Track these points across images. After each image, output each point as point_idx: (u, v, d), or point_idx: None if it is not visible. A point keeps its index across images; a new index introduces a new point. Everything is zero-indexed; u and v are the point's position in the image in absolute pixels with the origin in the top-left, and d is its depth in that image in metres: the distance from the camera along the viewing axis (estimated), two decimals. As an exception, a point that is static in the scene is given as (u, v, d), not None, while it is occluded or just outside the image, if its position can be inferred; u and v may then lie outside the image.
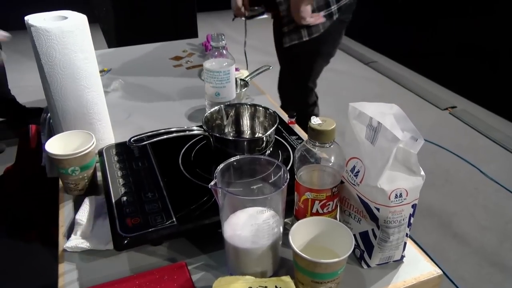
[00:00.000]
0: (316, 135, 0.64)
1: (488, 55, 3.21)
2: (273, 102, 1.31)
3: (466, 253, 1.86)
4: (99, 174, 0.91)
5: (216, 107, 0.93)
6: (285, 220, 0.79)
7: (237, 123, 0.96)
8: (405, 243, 0.71)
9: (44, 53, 0.86)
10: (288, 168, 0.84)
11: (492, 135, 2.73)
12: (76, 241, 0.75)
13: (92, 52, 0.93)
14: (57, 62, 0.87)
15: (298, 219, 0.70)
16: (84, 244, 0.75)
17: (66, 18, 0.89)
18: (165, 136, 0.81)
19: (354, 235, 0.70)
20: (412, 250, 0.75)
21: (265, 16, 5.67)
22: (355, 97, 3.29)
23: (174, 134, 0.82)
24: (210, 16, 5.28)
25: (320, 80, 3.31)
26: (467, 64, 3.35)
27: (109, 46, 2.22)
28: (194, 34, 2.67)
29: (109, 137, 1.03)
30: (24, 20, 0.87)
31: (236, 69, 1.37)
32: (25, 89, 3.07)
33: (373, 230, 0.68)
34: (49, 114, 1.12)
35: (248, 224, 0.64)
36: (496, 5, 3.13)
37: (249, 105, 0.95)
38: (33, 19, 0.85)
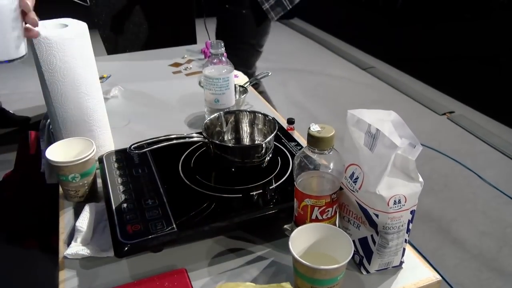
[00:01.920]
0: (315, 142, 0.65)
1: (486, 61, 3.23)
2: (272, 108, 1.31)
3: (465, 259, 1.86)
4: (99, 181, 0.91)
5: (216, 114, 0.94)
6: (285, 226, 0.80)
7: (236, 129, 0.96)
8: (404, 249, 0.71)
9: (44, 60, 0.86)
10: (287, 174, 0.85)
11: (490, 140, 2.73)
12: (77, 248, 0.75)
13: (93, 59, 0.93)
14: (58, 69, 0.87)
15: (297, 225, 0.70)
16: (85, 251, 0.75)
17: (66, 26, 0.89)
18: (165, 143, 0.82)
19: (354, 241, 0.70)
20: (411, 256, 0.76)
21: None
22: (353, 103, 3.30)
23: (174, 141, 0.83)
24: (208, 22, 5.30)
25: (317, 85, 3.33)
26: (465, 69, 3.37)
27: (109, 53, 2.23)
28: (193, 41, 2.68)
29: (109, 143, 1.03)
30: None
31: (235, 76, 1.38)
32: (25, 95, 3.08)
33: (372, 236, 0.68)
34: (48, 121, 1.12)
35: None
36: (492, 12, 3.16)
37: (249, 111, 0.96)
38: (34, 27, 0.86)
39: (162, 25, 2.57)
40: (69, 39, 0.86)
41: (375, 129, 0.64)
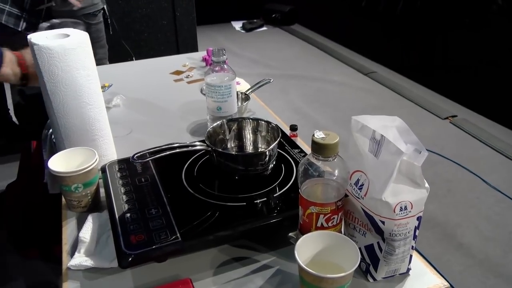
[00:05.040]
0: (319, 149, 0.64)
1: (488, 64, 3.23)
2: (275, 115, 1.31)
3: (470, 265, 1.85)
4: (102, 190, 0.91)
5: (218, 122, 0.93)
6: (290, 234, 0.79)
7: (239, 137, 0.96)
8: (411, 256, 0.71)
9: (46, 71, 0.86)
10: (291, 182, 0.85)
11: (493, 144, 2.72)
12: (80, 259, 0.75)
13: (94, 69, 0.93)
14: (59, 79, 0.87)
15: (303, 234, 0.69)
16: (88, 262, 0.74)
17: (68, 36, 0.89)
18: (168, 152, 0.81)
19: (360, 249, 0.70)
20: (418, 263, 0.75)
21: (264, 28, 5.75)
22: (354, 108, 3.30)
23: (177, 150, 0.82)
24: (210, 30, 5.32)
25: (319, 90, 3.35)
26: (467, 73, 3.37)
27: (110, 61, 2.24)
28: (194, 48, 2.69)
29: (111, 153, 1.03)
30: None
31: (237, 83, 1.38)
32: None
33: (378, 243, 0.68)
34: (50, 130, 1.12)
35: None
36: (492, 16, 3.16)
37: (251, 119, 0.95)
38: (36, 38, 0.86)
39: (163, 33, 2.59)
40: (71, 49, 0.86)
41: (380, 135, 0.64)
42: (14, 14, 1.64)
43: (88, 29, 1.83)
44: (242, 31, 5.46)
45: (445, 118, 3.09)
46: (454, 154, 2.60)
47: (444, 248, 1.93)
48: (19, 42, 1.68)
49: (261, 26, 5.57)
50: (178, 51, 2.67)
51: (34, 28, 1.66)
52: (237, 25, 5.66)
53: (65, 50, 0.86)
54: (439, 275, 0.73)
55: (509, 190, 2.29)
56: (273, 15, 5.56)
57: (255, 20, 5.62)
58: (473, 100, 3.24)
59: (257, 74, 3.78)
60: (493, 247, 1.93)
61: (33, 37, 0.87)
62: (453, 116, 3.10)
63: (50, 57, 0.85)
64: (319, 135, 0.65)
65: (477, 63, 3.26)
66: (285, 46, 4.76)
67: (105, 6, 1.91)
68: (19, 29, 1.67)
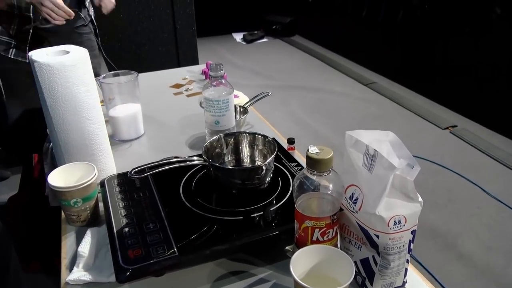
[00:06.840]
0: (314, 164, 0.65)
1: (488, 74, 3.23)
2: (273, 128, 1.32)
3: (472, 275, 1.84)
4: (101, 204, 0.92)
5: (216, 136, 0.94)
6: (286, 247, 0.80)
7: (236, 151, 0.97)
8: (406, 269, 0.71)
9: (46, 87, 0.88)
10: (288, 195, 0.85)
11: (493, 153, 2.73)
12: (79, 274, 0.75)
13: (93, 84, 0.95)
14: (59, 95, 0.89)
15: (299, 247, 0.70)
16: (87, 277, 0.75)
17: (68, 52, 0.91)
18: (166, 167, 0.82)
19: (355, 262, 0.70)
20: (414, 276, 0.75)
21: (264, 39, 5.76)
22: (354, 119, 3.31)
23: (175, 165, 0.83)
24: (211, 41, 5.36)
25: (319, 101, 3.35)
26: (467, 83, 3.37)
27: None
28: (195, 60, 2.72)
29: (110, 167, 1.04)
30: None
31: (236, 96, 1.39)
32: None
33: (373, 257, 0.68)
34: (51, 144, 1.13)
35: None
36: (493, 25, 3.17)
37: (248, 133, 0.96)
38: (36, 55, 0.88)
39: (164, 45, 2.61)
40: (71, 66, 0.88)
41: (373, 150, 0.65)
42: (4, 42, 1.65)
43: (80, 39, 1.85)
44: (243, 43, 5.50)
45: (445, 128, 3.10)
46: (455, 164, 2.60)
47: (445, 258, 1.93)
48: (9, 69, 1.71)
49: (262, 37, 5.61)
50: (179, 64, 2.70)
51: (23, 52, 1.68)
52: (238, 36, 5.70)
53: (65, 66, 0.87)
54: (435, 287, 0.74)
55: (510, 199, 2.28)
56: (274, 27, 5.61)
57: (255, 32, 5.66)
58: (473, 110, 3.25)
59: (258, 86, 3.80)
60: (494, 257, 1.93)
61: (34, 54, 0.88)
62: (453, 126, 3.11)
63: (50, 73, 0.86)
64: (313, 150, 0.66)
65: (477, 73, 3.27)
66: (285, 57, 4.79)
67: (92, 17, 1.91)
68: (9, 56, 1.68)
